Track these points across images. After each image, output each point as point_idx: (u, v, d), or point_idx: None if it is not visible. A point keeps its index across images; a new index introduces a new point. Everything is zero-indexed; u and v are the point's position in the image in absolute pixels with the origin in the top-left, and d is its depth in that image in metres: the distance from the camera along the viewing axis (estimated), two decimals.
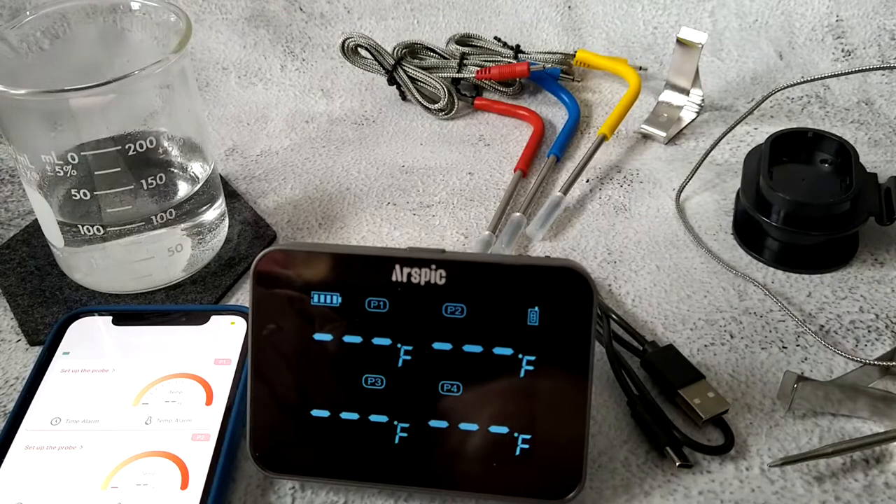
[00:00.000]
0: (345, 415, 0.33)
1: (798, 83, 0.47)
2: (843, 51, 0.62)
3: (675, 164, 0.54)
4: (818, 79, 0.46)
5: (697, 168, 0.50)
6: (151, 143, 0.40)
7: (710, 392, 0.36)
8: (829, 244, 0.45)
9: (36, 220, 0.48)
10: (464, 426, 0.32)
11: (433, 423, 0.32)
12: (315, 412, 0.33)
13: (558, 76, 0.62)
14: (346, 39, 0.60)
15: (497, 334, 0.32)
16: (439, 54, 0.61)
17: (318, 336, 0.33)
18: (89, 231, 0.41)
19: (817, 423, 0.36)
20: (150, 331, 0.40)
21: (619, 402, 0.37)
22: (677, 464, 0.34)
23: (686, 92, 0.58)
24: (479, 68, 0.60)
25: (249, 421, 0.33)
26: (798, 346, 0.40)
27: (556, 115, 0.60)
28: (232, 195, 0.51)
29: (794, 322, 0.41)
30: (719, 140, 0.50)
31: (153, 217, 0.42)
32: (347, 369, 0.33)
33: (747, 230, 0.47)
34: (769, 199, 0.44)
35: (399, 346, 0.32)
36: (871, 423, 0.36)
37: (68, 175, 0.39)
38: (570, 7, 0.68)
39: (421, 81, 0.60)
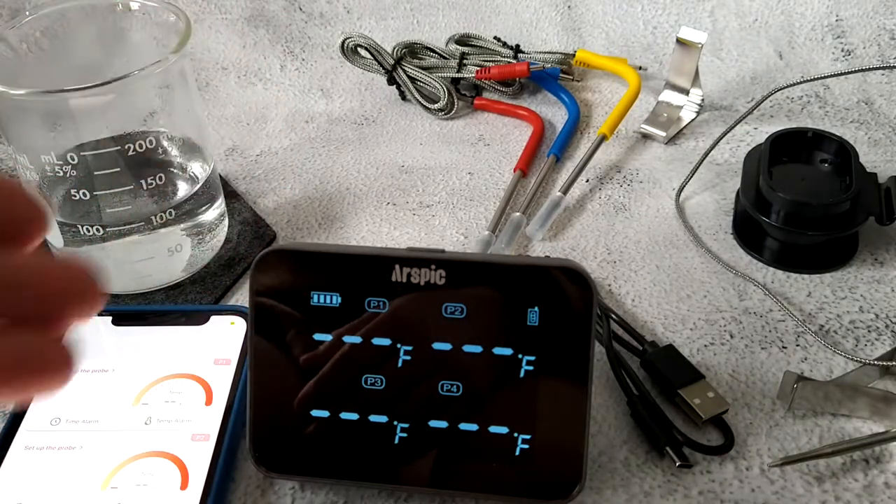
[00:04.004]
0: (345, 415, 0.33)
1: (798, 83, 0.47)
2: (842, 50, 0.62)
3: (675, 164, 0.54)
4: (818, 78, 0.46)
5: (697, 168, 0.50)
6: (151, 143, 0.40)
7: (710, 392, 0.36)
8: (829, 244, 0.45)
9: None
10: (464, 426, 0.32)
11: (433, 423, 0.32)
12: (315, 412, 0.33)
13: (558, 76, 0.61)
14: (345, 39, 0.60)
15: (497, 334, 0.32)
16: (439, 54, 0.61)
17: (317, 336, 0.33)
18: (89, 231, 0.41)
19: (817, 423, 0.36)
20: (150, 331, 0.40)
21: (619, 402, 0.37)
22: (677, 464, 0.34)
23: (686, 92, 0.58)
24: (478, 68, 0.60)
25: (249, 421, 0.33)
26: (798, 346, 0.40)
27: (556, 114, 0.60)
28: (232, 195, 0.51)
29: (794, 322, 0.41)
30: (719, 140, 0.50)
31: (153, 217, 0.42)
32: (347, 369, 0.33)
33: (747, 230, 0.47)
34: (769, 198, 0.44)
35: (399, 346, 0.32)
36: (871, 423, 0.36)
37: (68, 175, 0.39)
38: (569, 7, 0.68)
39: (421, 81, 0.60)
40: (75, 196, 0.40)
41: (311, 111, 0.61)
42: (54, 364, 0.24)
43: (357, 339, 0.32)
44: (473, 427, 0.32)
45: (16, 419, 0.36)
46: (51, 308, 0.23)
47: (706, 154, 0.50)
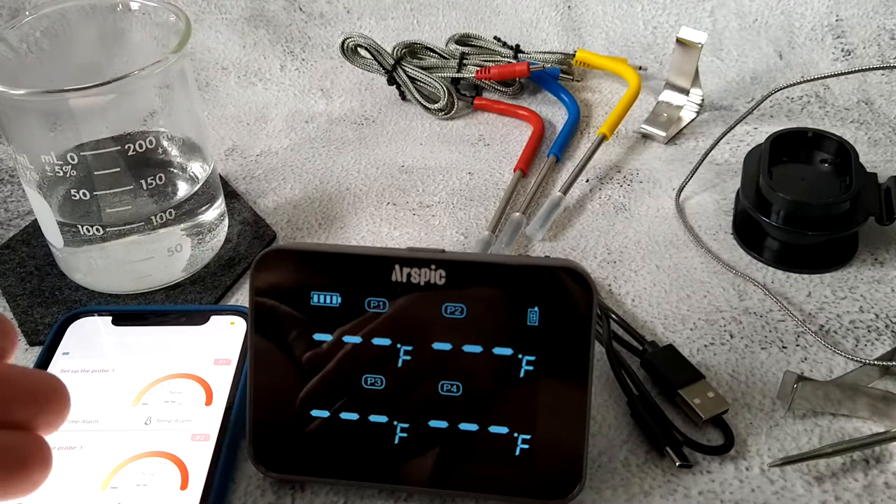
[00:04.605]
0: (344, 415, 0.33)
1: (798, 83, 0.47)
2: (842, 50, 0.62)
3: (675, 164, 0.54)
4: (818, 78, 0.46)
5: (697, 168, 0.50)
6: (151, 143, 0.40)
7: (709, 392, 0.36)
8: (829, 244, 0.45)
9: (36, 220, 0.48)
10: (464, 426, 0.32)
11: (433, 423, 0.32)
12: (315, 412, 0.33)
13: (558, 76, 0.61)
14: (345, 39, 0.60)
15: (497, 334, 0.32)
16: (439, 54, 0.61)
17: (318, 336, 0.33)
18: (89, 231, 0.41)
19: (817, 423, 0.36)
20: (150, 331, 0.40)
21: (619, 402, 0.37)
22: (677, 464, 0.34)
23: (686, 92, 0.58)
24: (478, 68, 0.60)
25: (249, 421, 0.33)
26: (798, 346, 0.40)
27: (556, 114, 0.60)
28: (232, 195, 0.51)
29: (794, 322, 0.41)
30: (719, 140, 0.50)
31: (153, 217, 0.42)
32: (347, 369, 0.33)
33: (747, 230, 0.47)
34: (769, 198, 0.44)
35: (399, 346, 0.32)
36: (871, 423, 0.36)
37: (68, 175, 0.39)
38: (569, 7, 0.68)
39: (421, 81, 0.60)
40: (75, 196, 0.40)
41: (311, 111, 0.61)
42: (34, 458, 0.25)
43: (357, 340, 0.32)
44: (473, 427, 0.32)
45: None
46: (20, 412, 0.25)
47: (706, 154, 0.50)
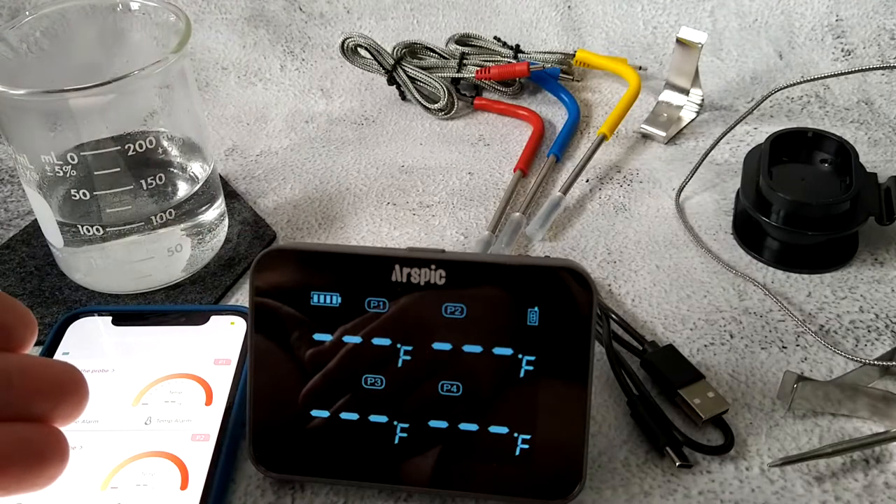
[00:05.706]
0: (344, 415, 0.33)
1: (798, 83, 0.47)
2: (842, 50, 0.62)
3: (675, 164, 0.54)
4: (818, 78, 0.46)
5: (697, 168, 0.50)
6: (151, 143, 0.40)
7: (709, 392, 0.36)
8: (829, 244, 0.45)
9: (36, 220, 0.48)
10: (464, 426, 0.32)
11: (433, 424, 0.32)
12: (315, 412, 0.33)
13: (558, 76, 0.62)
14: (345, 39, 0.60)
15: (497, 334, 0.32)
16: (439, 54, 0.61)
17: (317, 336, 0.33)
18: (89, 231, 0.41)
19: (817, 423, 0.36)
20: (150, 331, 0.40)
21: (619, 402, 0.37)
22: (677, 464, 0.34)
23: (686, 92, 0.58)
24: (478, 68, 0.60)
25: (249, 421, 0.33)
26: (798, 346, 0.40)
27: (556, 114, 0.60)
28: (231, 195, 0.51)
29: (794, 322, 0.41)
30: (719, 140, 0.50)
31: (153, 217, 0.42)
32: (347, 369, 0.33)
33: (747, 230, 0.47)
34: (769, 198, 0.44)
35: (399, 346, 0.32)
36: (871, 423, 0.36)
37: (68, 175, 0.39)
38: (569, 7, 0.68)
39: (421, 81, 0.60)
40: (75, 196, 0.40)
41: (311, 111, 0.61)
42: (52, 451, 0.25)
43: (357, 339, 0.32)
44: (473, 427, 0.32)
45: None
46: (38, 405, 0.25)
47: (706, 154, 0.50)
